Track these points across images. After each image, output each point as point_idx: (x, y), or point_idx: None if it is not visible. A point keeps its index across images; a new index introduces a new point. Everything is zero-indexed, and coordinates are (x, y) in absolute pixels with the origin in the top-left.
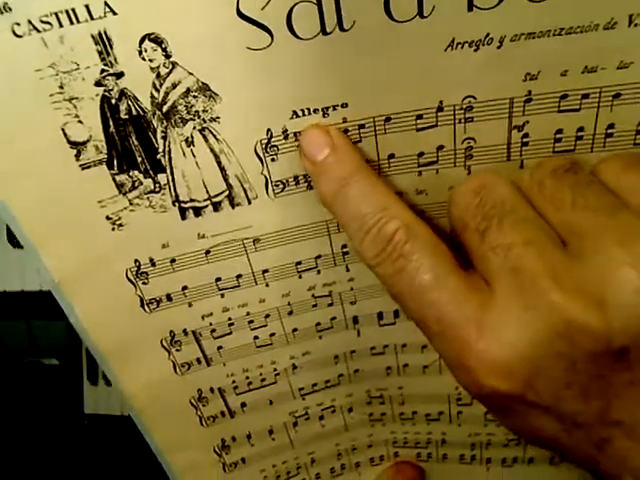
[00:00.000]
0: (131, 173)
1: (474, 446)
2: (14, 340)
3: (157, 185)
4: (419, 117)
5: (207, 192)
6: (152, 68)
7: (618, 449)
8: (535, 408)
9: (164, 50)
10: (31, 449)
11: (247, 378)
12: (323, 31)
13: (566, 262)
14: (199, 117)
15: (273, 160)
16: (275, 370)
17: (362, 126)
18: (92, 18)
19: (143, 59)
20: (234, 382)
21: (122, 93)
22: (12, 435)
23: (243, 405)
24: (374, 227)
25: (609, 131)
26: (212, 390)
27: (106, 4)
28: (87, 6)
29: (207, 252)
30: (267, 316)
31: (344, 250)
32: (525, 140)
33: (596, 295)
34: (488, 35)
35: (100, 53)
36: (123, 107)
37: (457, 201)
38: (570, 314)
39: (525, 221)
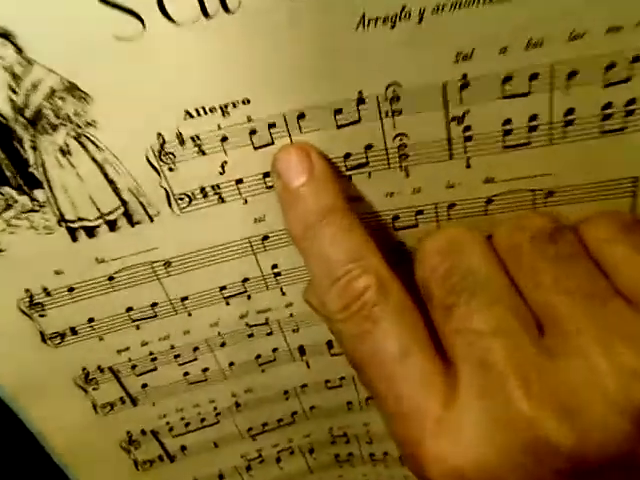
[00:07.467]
0: (2, 190)
1: None
2: None
3: (35, 203)
4: (338, 112)
5: (98, 209)
6: (5, 67)
7: None
8: None
9: (15, 45)
10: (30, 450)
11: (183, 419)
12: (204, 13)
13: (539, 362)
14: (71, 122)
15: (171, 170)
16: (215, 409)
17: (272, 125)
18: None
19: None
20: (168, 423)
21: None
22: (11, 436)
23: (183, 448)
24: (343, 278)
25: (568, 118)
26: (144, 432)
27: None
28: None
29: (110, 278)
30: (195, 349)
31: (275, 271)
32: (468, 134)
33: (569, 408)
34: (404, 8)
35: None
36: None
37: (421, 261)
38: (540, 431)
39: (497, 303)
